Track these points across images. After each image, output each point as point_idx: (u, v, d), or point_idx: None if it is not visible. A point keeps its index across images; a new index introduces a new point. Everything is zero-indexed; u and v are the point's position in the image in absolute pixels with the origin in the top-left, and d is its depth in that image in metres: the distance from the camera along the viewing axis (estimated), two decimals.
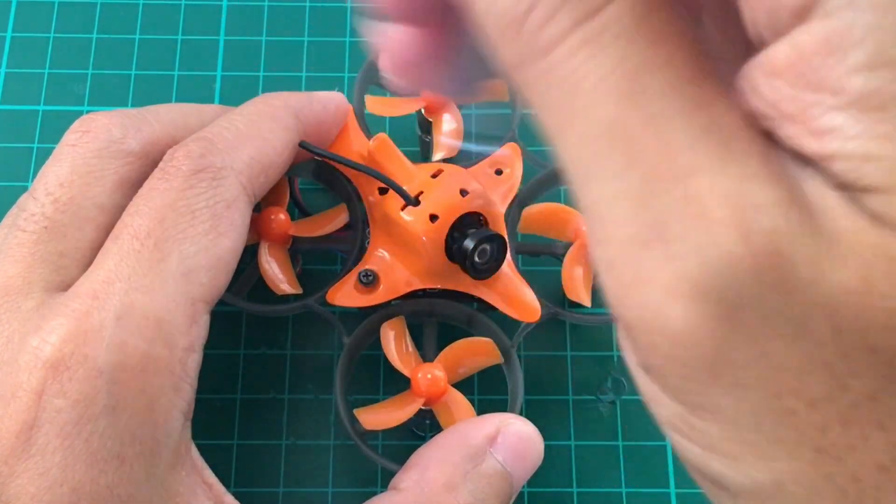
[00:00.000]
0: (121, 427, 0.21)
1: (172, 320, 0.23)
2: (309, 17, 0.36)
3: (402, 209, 0.27)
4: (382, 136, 0.28)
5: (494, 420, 0.26)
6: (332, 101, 0.29)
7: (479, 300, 0.29)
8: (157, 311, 0.22)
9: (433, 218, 0.27)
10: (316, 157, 0.29)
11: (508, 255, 0.28)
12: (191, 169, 0.24)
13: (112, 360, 0.22)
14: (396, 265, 0.29)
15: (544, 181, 0.31)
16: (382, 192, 0.29)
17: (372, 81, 0.32)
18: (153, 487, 0.22)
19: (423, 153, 0.33)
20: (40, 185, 0.25)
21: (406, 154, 0.29)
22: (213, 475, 0.24)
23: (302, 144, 0.27)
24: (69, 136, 0.25)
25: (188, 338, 0.23)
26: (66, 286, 0.23)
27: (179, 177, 0.24)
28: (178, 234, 0.23)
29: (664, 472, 0.30)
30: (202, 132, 0.25)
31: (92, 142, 0.25)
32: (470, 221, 0.27)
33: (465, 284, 0.28)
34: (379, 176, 0.28)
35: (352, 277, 0.28)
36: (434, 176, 0.28)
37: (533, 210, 0.30)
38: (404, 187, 0.28)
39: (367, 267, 0.28)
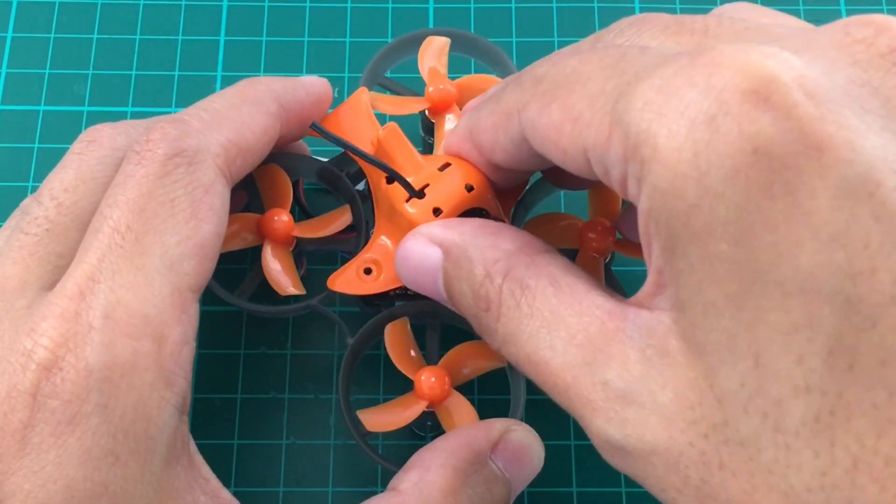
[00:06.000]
0: (113, 424, 0.22)
1: (160, 315, 0.23)
2: (309, 17, 0.36)
3: (407, 201, 0.27)
4: (393, 124, 0.28)
5: (497, 426, 0.26)
6: (315, 87, 0.29)
7: None
8: (144, 308, 0.22)
9: (436, 211, 0.26)
10: (321, 136, 0.28)
11: None
12: (166, 153, 0.24)
13: (101, 360, 0.22)
14: None
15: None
16: (389, 180, 0.28)
17: (376, 81, 0.32)
18: (148, 483, 0.22)
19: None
20: (45, 190, 0.25)
21: None
22: (210, 470, 0.24)
23: (313, 126, 0.27)
24: (76, 146, 0.26)
25: (178, 330, 0.23)
26: None
27: (156, 162, 0.24)
28: (160, 225, 0.23)
29: None
30: (178, 113, 0.25)
31: (97, 150, 0.25)
32: (474, 217, 0.27)
33: None
34: (383, 166, 0.27)
35: (353, 264, 0.28)
36: (442, 169, 0.27)
37: (536, 221, 0.30)
38: (411, 178, 0.27)
39: (369, 254, 0.28)
